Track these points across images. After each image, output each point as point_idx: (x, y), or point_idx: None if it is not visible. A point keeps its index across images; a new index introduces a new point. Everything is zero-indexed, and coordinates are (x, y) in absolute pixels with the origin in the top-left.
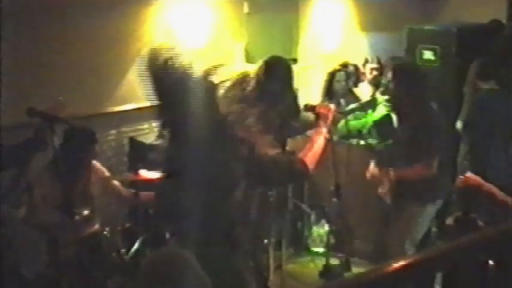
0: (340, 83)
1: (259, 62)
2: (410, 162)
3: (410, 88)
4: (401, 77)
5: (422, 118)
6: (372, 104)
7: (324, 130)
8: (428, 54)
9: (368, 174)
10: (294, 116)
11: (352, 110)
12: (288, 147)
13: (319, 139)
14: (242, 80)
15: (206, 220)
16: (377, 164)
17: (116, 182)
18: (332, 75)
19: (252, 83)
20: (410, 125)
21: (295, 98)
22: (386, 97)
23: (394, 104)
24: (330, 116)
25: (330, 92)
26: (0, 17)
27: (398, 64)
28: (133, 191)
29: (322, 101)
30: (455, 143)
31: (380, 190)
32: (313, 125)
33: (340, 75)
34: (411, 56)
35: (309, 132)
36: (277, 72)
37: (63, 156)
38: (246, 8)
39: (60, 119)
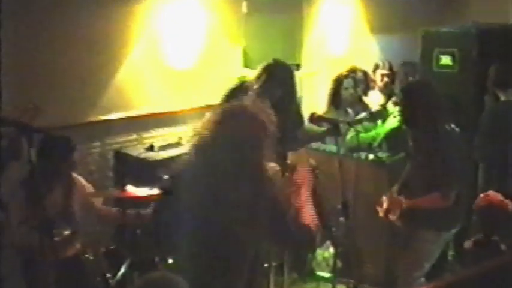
0: (348, 91)
1: (259, 67)
2: (425, 190)
3: (422, 112)
4: (411, 100)
5: (438, 144)
6: (382, 114)
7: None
8: (445, 59)
9: (381, 213)
10: (297, 127)
11: (360, 120)
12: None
13: (306, 211)
14: (240, 87)
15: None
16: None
17: (95, 200)
18: (339, 82)
19: (251, 90)
20: (425, 152)
21: (298, 106)
22: (399, 108)
23: (406, 129)
24: (310, 181)
25: (336, 101)
26: (0, 17)
27: (407, 85)
28: (117, 209)
29: (328, 111)
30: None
31: (391, 217)
32: (318, 137)
33: (348, 82)
34: (427, 61)
35: (314, 145)
36: (279, 79)
37: (40, 167)
38: (244, 8)
39: (37, 129)
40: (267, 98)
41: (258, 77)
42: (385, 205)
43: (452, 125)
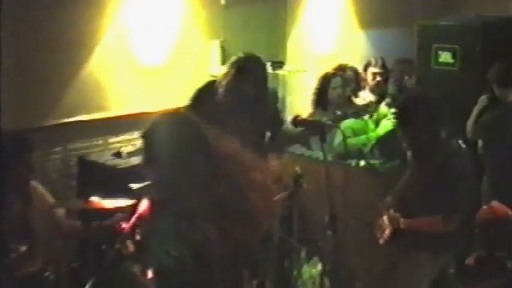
0: (336, 91)
1: (227, 63)
2: (425, 210)
3: (423, 131)
4: (409, 119)
5: (442, 165)
6: (371, 108)
7: None
8: (445, 56)
9: (381, 240)
10: (274, 128)
11: (345, 117)
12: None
13: None
14: (209, 86)
15: None
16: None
17: (58, 211)
18: (326, 81)
19: (220, 88)
20: (428, 173)
21: (274, 105)
22: (392, 110)
23: (406, 148)
24: None
25: (323, 102)
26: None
27: (402, 102)
28: (80, 223)
29: (314, 113)
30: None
31: (382, 236)
32: (298, 138)
33: (336, 81)
34: (424, 58)
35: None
36: (250, 74)
37: None
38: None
39: None
40: (237, 96)
41: (226, 74)
42: (387, 231)
43: (460, 141)
